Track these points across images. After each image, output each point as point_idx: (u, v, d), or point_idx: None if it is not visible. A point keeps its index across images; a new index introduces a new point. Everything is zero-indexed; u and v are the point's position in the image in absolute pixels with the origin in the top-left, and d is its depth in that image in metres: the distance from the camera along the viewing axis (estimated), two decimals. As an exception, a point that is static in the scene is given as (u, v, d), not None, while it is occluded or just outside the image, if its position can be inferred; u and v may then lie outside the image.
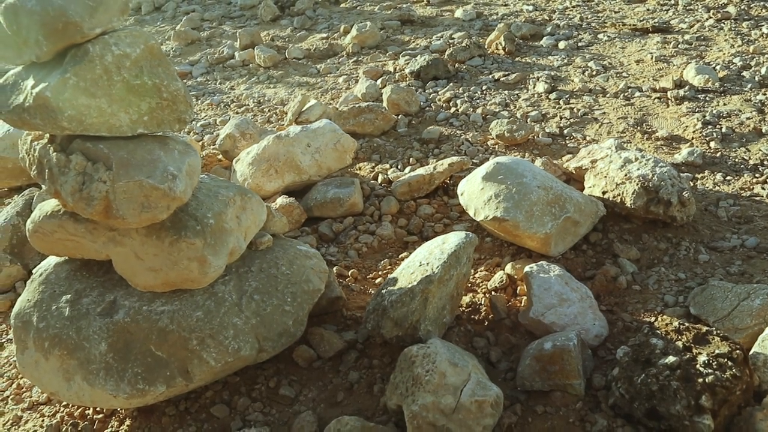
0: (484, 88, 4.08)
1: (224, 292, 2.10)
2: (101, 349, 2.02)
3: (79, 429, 2.24)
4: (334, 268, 2.63)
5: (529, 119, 3.62)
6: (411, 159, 3.37)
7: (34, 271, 2.28)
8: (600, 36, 4.64)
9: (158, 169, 1.82)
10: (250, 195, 2.21)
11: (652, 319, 2.24)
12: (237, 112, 4.26)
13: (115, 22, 1.70)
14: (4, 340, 2.77)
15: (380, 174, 3.24)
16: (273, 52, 5.08)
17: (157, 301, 2.06)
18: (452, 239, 2.23)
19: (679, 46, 4.32)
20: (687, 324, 2.00)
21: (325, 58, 5.02)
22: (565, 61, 4.31)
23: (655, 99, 3.71)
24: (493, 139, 3.47)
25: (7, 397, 2.45)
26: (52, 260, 2.26)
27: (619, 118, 3.55)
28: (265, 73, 4.90)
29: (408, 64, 4.46)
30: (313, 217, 2.99)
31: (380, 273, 2.66)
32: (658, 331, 1.99)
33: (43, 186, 1.92)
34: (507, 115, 3.70)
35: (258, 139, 3.51)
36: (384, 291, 2.18)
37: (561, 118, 3.62)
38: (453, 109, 3.85)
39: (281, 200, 2.92)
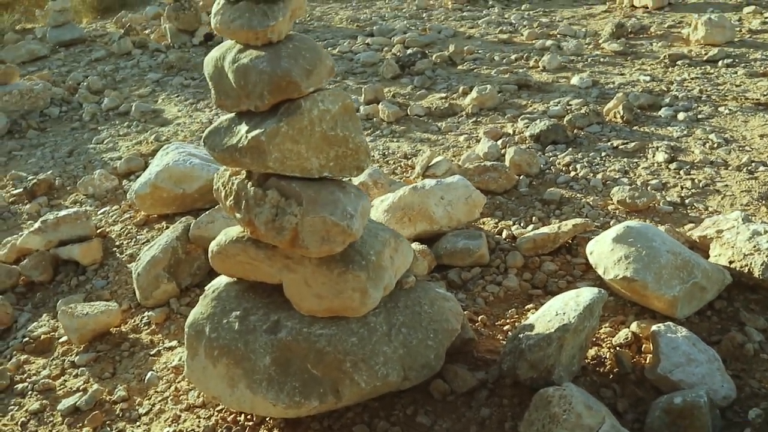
0: (603, 154, 4.23)
1: (376, 322, 2.34)
2: (266, 362, 2.29)
3: (232, 433, 2.50)
4: (465, 313, 2.83)
5: (649, 187, 3.74)
6: (533, 218, 3.55)
7: (206, 288, 2.61)
8: (720, 109, 4.71)
9: (339, 208, 2.10)
10: (401, 239, 2.47)
11: (781, 388, 2.30)
12: (364, 162, 4.59)
13: (323, 83, 2.02)
14: (161, 348, 3.11)
15: (504, 230, 3.44)
16: (396, 108, 5.44)
17: (316, 325, 2.31)
18: (586, 293, 2.40)
19: (805, 123, 4.34)
20: (821, 394, 2.06)
21: (445, 116, 5.32)
22: (685, 132, 4.41)
23: (779, 175, 3.76)
24: (613, 204, 3.61)
25: (167, 397, 2.76)
26: (223, 279, 2.58)
27: (742, 191, 3.61)
28: (389, 127, 5.24)
29: (527, 127, 4.68)
30: (441, 265, 3.21)
31: (508, 321, 2.83)
32: (791, 399, 2.06)
33: (236, 215, 2.24)
34: (627, 182, 3.84)
35: (388, 188, 3.79)
36: (521, 335, 2.36)
37: (682, 188, 3.72)
38: (573, 173, 4.02)
39: (414, 246, 3.16)
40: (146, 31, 9.61)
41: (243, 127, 2.09)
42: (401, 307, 2.43)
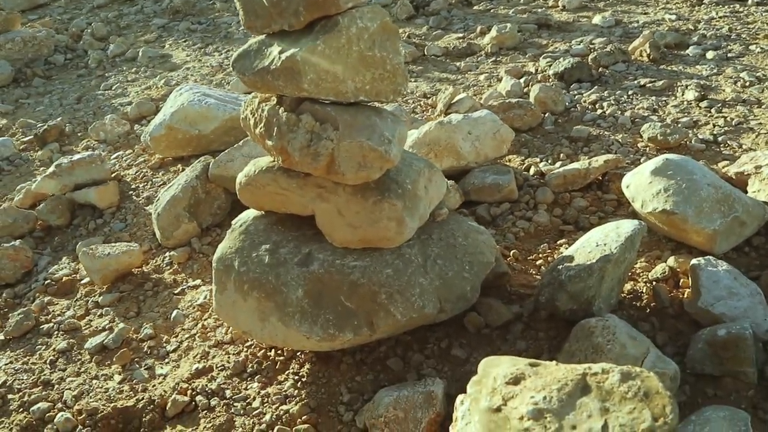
0: (630, 92, 4.11)
1: (410, 254, 2.27)
2: (298, 294, 2.24)
3: (263, 367, 2.48)
4: (497, 247, 2.77)
5: (680, 125, 3.64)
6: (561, 155, 3.46)
7: (233, 222, 2.54)
8: (752, 47, 4.56)
9: (376, 133, 2.02)
10: (435, 169, 2.39)
11: (825, 320, 2.24)
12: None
13: (361, -1, 1.91)
14: (185, 287, 3.07)
15: (532, 166, 3.35)
16: (412, 48, 5.29)
17: (349, 257, 2.25)
18: (627, 225, 2.33)
19: (838, 60, 4.20)
20: None
21: (464, 56, 5.17)
22: (715, 71, 4.27)
23: (814, 112, 3.64)
24: (643, 141, 3.51)
25: (195, 335, 2.73)
26: (251, 213, 2.52)
27: (776, 129, 3.51)
28: (406, 67, 5.10)
29: (550, 66, 4.54)
30: (469, 201, 3.14)
31: (540, 255, 2.77)
32: (842, 328, 2.01)
33: (267, 142, 2.15)
34: (657, 119, 3.73)
35: (410, 125, 3.69)
36: (560, 267, 2.30)
37: (714, 125, 3.61)
38: (599, 111, 3.91)
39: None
40: (150, -25, 9.35)
41: (275, 48, 1.98)
42: (435, 239, 2.37)
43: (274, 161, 2.26)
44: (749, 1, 5.44)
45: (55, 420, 2.40)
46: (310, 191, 2.21)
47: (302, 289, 2.24)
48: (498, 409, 1.31)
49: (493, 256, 2.46)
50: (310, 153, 2.02)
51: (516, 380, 1.31)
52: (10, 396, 2.58)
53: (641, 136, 3.54)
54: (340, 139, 1.98)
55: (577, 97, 4.12)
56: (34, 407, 2.48)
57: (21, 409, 2.50)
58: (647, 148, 3.47)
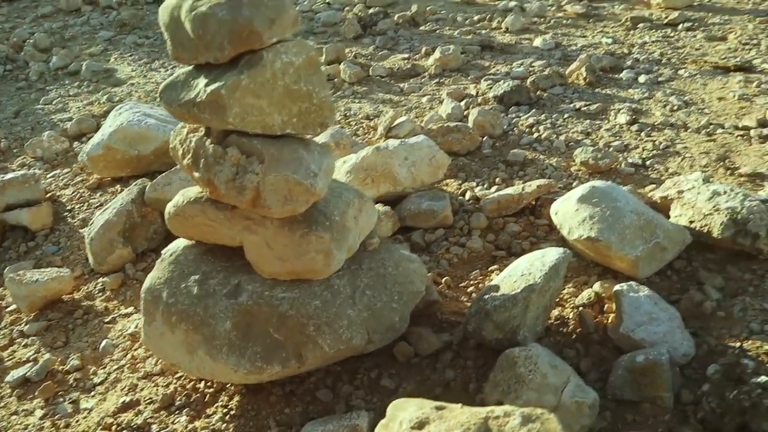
0: (566, 116, 4.22)
1: (339, 285, 2.28)
2: (226, 326, 2.23)
3: (192, 400, 2.45)
4: (429, 275, 2.80)
5: (611, 149, 3.75)
6: (497, 179, 3.53)
7: (163, 252, 2.51)
8: (681, 72, 4.73)
9: (302, 166, 2.02)
10: (366, 199, 2.41)
11: (738, 344, 2.34)
12: (325, 123, 4.49)
13: (287, 34, 1.92)
14: (116, 315, 3.01)
15: (468, 191, 3.41)
16: (357, 68, 5.32)
17: (278, 288, 2.25)
18: (552, 253, 2.39)
19: (762, 85, 4.39)
20: (778, 350, 2.10)
21: (408, 77, 5.23)
22: (646, 94, 4.42)
23: (737, 136, 3.80)
24: (576, 165, 3.61)
25: (123, 366, 2.68)
26: (181, 242, 2.49)
27: (701, 153, 3.65)
28: (350, 88, 5.13)
29: (490, 88, 4.63)
30: (405, 227, 3.17)
31: (472, 282, 2.81)
32: (749, 353, 2.10)
33: (195, 174, 2.14)
34: (590, 143, 3.84)
35: (350, 149, 3.71)
36: (486, 296, 2.34)
37: (643, 149, 3.74)
38: (536, 135, 4.00)
39: (377, 207, 3.11)
40: (96, -13, 9.17)
41: (201, 81, 1.98)
42: (365, 269, 2.39)
43: (202, 192, 2.24)
44: (679, 27, 5.66)
45: (-28, 459, 2.32)
46: (238, 223, 2.20)
47: (230, 321, 2.23)
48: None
49: (424, 284, 2.49)
50: (236, 186, 2.01)
51: (420, 425, 1.34)
52: (-74, 433, 2.48)
53: (574, 160, 3.63)
54: (265, 173, 1.98)
55: (515, 120, 4.21)
56: (-50, 445, 2.40)
57: (-63, 447, 2.41)
58: (580, 172, 3.57)
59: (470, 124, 4.00)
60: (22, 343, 2.90)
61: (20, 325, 3.01)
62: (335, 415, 2.20)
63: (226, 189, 2.03)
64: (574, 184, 3.41)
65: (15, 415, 2.50)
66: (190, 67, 2.06)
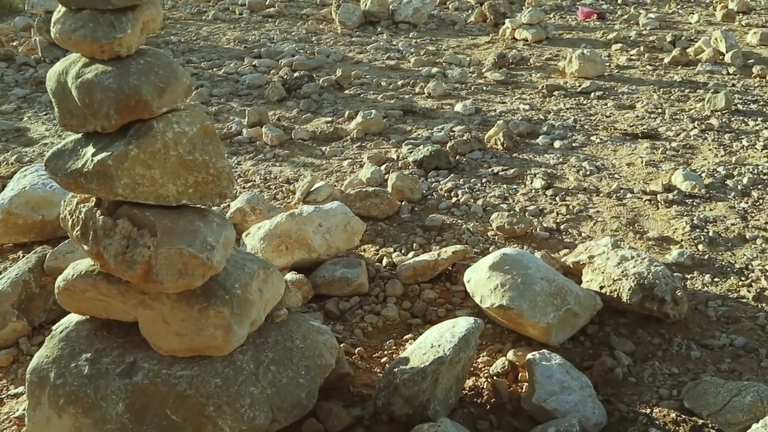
0: (483, 180, 4.29)
1: (242, 361, 2.17)
2: (118, 409, 2.07)
3: (81, 491, 2.24)
4: (341, 345, 2.72)
5: (527, 213, 3.82)
6: (414, 244, 3.52)
7: (53, 328, 2.35)
8: (593, 138, 4.93)
9: (198, 239, 1.94)
10: (272, 269, 2.32)
11: (648, 410, 2.34)
12: (244, 188, 4.41)
13: (179, 103, 1.86)
14: (4, 396, 2.77)
15: (385, 257, 3.37)
16: (280, 131, 5.30)
17: (176, 366, 2.12)
18: (462, 324, 2.35)
19: (667, 152, 4.61)
20: (683, 416, 2.10)
21: (330, 141, 5.24)
22: (561, 159, 4.57)
23: (645, 201, 3.94)
24: (493, 230, 3.64)
25: (8, 454, 2.45)
26: (73, 318, 2.33)
27: (612, 217, 3.76)
28: (272, 151, 5.09)
29: (411, 153, 4.68)
30: (319, 295, 3.09)
31: (386, 352, 2.74)
32: (657, 422, 2.09)
33: (84, 247, 2.02)
34: (506, 208, 3.90)
35: (267, 214, 3.64)
36: (396, 369, 2.27)
37: (557, 214, 3.82)
38: (454, 199, 4.04)
39: (290, 276, 3.02)
40: (14, 43, 8.93)
41: (89, 150, 1.88)
42: (271, 342, 2.28)
43: (94, 265, 2.11)
44: (592, 95, 5.94)
45: None
46: (133, 298, 2.07)
47: (123, 403, 2.08)
48: None
49: (334, 357, 2.40)
50: (126, 260, 1.90)
51: None
52: None
53: (491, 225, 3.67)
54: (158, 246, 1.88)
55: (434, 184, 4.25)
56: None
57: None
58: (496, 237, 3.60)
59: (389, 188, 4.01)
60: None
61: None
62: (234, 503, 2.05)
63: (116, 263, 1.91)
64: (491, 249, 3.43)
65: None
66: (79, 135, 1.97)
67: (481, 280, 2.70)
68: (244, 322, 2.10)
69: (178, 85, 1.83)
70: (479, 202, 3.98)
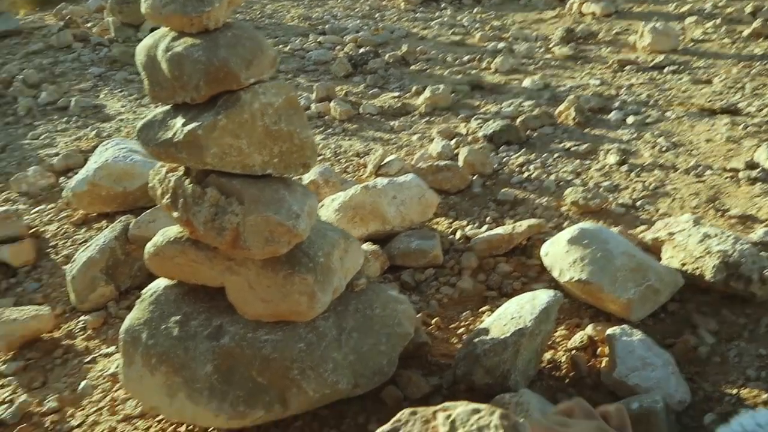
0: (555, 155, 4.22)
1: (325, 327, 2.22)
2: (207, 370, 2.15)
3: (171, 446, 2.35)
4: (418, 315, 2.74)
5: (601, 189, 3.74)
6: (487, 218, 3.50)
7: (143, 291, 2.45)
8: (668, 113, 4.76)
9: (284, 207, 1.97)
10: (352, 239, 2.36)
11: (735, 391, 2.28)
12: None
13: (265, 75, 1.89)
14: (97, 355, 2.92)
15: (458, 230, 3.37)
16: (348, 106, 5.33)
17: (261, 330, 2.18)
18: (542, 296, 2.33)
19: (749, 128, 4.41)
20: (775, 397, 2.04)
21: (398, 116, 5.24)
22: (635, 135, 4.44)
23: (726, 178, 3.80)
24: (566, 205, 3.58)
25: (102, 408, 2.59)
26: (161, 282, 2.42)
27: (691, 194, 3.64)
28: (341, 125, 5.13)
29: (480, 127, 4.64)
30: (394, 266, 3.11)
31: (462, 324, 2.75)
32: (746, 402, 2.04)
33: (173, 214, 2.09)
34: (580, 183, 3.82)
35: (339, 187, 3.68)
36: (476, 340, 2.28)
37: (633, 190, 3.73)
38: (526, 174, 3.99)
39: (366, 247, 3.06)
40: (88, 24, 9.23)
41: (179, 120, 1.94)
42: (351, 310, 2.32)
43: (183, 231, 2.19)
44: (665, 70, 5.72)
45: None
46: (220, 264, 2.14)
47: (211, 364, 2.15)
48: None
49: (412, 326, 2.42)
50: (215, 227, 1.96)
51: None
52: None
53: (564, 200, 3.61)
54: (245, 214, 1.93)
55: (505, 159, 4.20)
56: None
57: None
58: (570, 212, 3.54)
59: (460, 162, 3.99)
60: (-2, 384, 2.80)
61: (-4, 365, 2.91)
62: (319, 463, 2.11)
63: (205, 230, 1.98)
64: (565, 224, 3.38)
65: (-15, 461, 2.40)
66: (168, 107, 2.03)
67: (560, 254, 2.67)
68: (326, 289, 2.14)
69: (264, 57, 1.86)
70: (552, 177, 3.92)
